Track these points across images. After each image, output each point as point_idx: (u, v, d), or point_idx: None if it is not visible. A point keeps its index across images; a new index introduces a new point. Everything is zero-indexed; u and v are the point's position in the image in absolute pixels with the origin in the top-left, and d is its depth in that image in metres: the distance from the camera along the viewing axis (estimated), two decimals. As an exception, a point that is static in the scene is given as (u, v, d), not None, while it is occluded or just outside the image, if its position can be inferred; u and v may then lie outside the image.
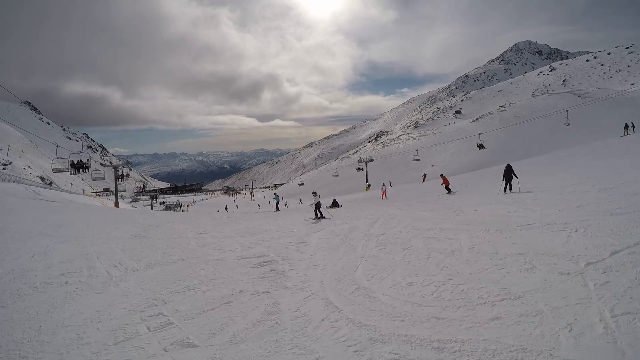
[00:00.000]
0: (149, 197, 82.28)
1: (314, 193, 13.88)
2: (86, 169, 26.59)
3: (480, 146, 37.81)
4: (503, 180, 13.23)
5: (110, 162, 34.66)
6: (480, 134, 42.01)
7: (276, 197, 23.86)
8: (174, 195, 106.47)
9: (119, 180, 36.95)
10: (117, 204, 32.76)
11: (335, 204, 18.96)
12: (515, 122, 59.02)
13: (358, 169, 56.43)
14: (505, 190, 13.00)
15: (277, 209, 22.97)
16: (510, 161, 15.47)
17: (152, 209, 49.16)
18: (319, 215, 12.67)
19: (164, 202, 68.94)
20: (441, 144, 67.08)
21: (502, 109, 76.04)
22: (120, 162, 31.55)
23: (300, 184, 67.64)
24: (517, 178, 12.99)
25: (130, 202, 56.96)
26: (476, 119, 77.04)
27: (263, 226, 11.54)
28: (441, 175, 18.23)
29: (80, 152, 25.00)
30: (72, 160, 25.60)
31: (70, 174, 25.97)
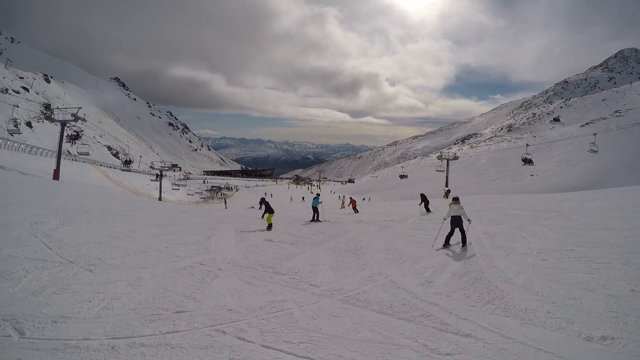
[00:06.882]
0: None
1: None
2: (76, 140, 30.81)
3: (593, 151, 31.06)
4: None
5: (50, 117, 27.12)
6: (595, 134, 32.75)
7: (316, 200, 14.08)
8: (221, 177, 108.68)
9: (70, 141, 30.87)
10: (56, 174, 24.19)
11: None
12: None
13: (402, 176, 49.27)
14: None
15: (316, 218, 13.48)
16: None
17: (159, 198, 37.17)
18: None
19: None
20: (546, 143, 63.60)
21: (618, 114, 70.64)
22: (70, 118, 25.54)
23: (402, 176, 49.91)
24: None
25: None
26: (586, 123, 72.57)
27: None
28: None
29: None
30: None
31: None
